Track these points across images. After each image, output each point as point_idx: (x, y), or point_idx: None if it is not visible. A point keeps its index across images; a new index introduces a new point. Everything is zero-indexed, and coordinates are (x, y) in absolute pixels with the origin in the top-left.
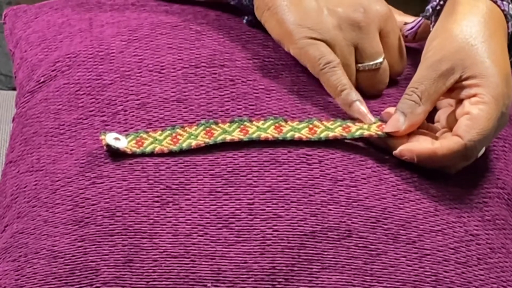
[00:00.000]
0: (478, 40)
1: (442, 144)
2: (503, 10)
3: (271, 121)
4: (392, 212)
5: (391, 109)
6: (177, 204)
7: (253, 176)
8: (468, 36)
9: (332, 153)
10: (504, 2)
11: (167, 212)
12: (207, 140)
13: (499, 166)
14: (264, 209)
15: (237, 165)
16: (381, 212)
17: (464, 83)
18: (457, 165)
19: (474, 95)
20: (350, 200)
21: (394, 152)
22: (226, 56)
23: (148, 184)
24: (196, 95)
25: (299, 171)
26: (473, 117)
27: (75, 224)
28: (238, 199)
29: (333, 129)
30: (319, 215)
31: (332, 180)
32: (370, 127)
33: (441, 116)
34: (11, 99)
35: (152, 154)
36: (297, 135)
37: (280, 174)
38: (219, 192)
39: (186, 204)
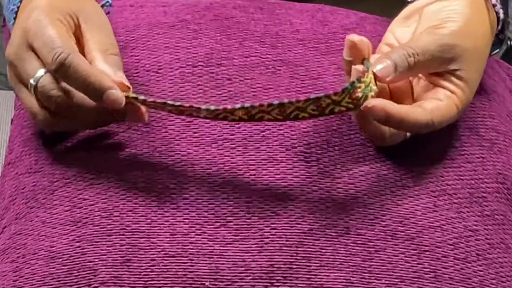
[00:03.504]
0: (487, 51)
1: (412, 113)
2: (497, 13)
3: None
4: (391, 209)
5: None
6: (174, 204)
7: (251, 175)
8: (486, 43)
9: (330, 150)
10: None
11: (165, 211)
12: (196, 106)
13: (501, 160)
14: (262, 207)
15: (235, 164)
16: (379, 209)
17: (453, 78)
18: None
19: (452, 92)
20: (348, 197)
21: (363, 106)
22: (223, 54)
23: (146, 184)
24: (193, 95)
25: (297, 169)
26: (441, 106)
27: (73, 224)
28: (236, 197)
29: (305, 108)
30: (317, 213)
31: (330, 178)
32: (342, 101)
33: None
34: (11, 99)
35: (144, 102)
36: (266, 117)
37: (277, 172)
38: (216, 191)
39: (183, 203)
